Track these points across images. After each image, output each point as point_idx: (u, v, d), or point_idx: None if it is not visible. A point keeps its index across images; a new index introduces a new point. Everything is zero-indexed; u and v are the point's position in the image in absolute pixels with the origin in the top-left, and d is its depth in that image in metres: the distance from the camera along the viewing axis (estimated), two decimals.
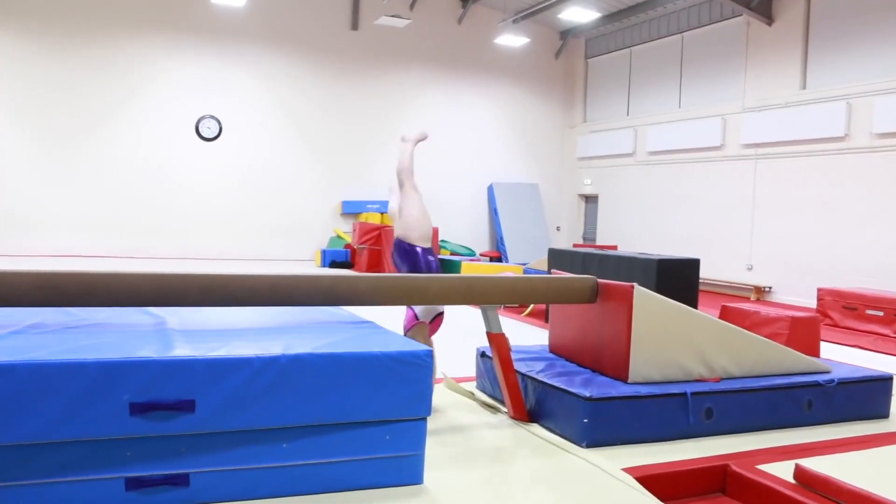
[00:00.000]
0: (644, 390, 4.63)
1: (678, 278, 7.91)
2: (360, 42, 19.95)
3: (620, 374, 4.80)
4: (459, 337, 7.91)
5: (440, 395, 5.38)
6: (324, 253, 18.26)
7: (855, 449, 4.56)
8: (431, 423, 3.90)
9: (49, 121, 17.10)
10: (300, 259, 19.34)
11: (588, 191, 21.80)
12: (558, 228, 22.75)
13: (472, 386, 5.87)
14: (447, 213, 20.39)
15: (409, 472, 3.64)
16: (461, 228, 21.06)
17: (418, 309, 5.16)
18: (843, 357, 8.11)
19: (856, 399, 5.34)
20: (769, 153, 15.67)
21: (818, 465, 3.97)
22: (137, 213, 17.85)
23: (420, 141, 5.65)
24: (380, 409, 3.55)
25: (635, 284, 4.80)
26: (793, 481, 3.90)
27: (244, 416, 3.31)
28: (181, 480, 3.24)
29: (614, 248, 15.06)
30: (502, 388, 4.94)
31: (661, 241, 17.94)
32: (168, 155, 18.20)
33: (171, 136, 18.21)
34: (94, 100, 17.45)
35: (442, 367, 5.67)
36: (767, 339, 5.40)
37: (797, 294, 14.60)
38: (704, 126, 17.23)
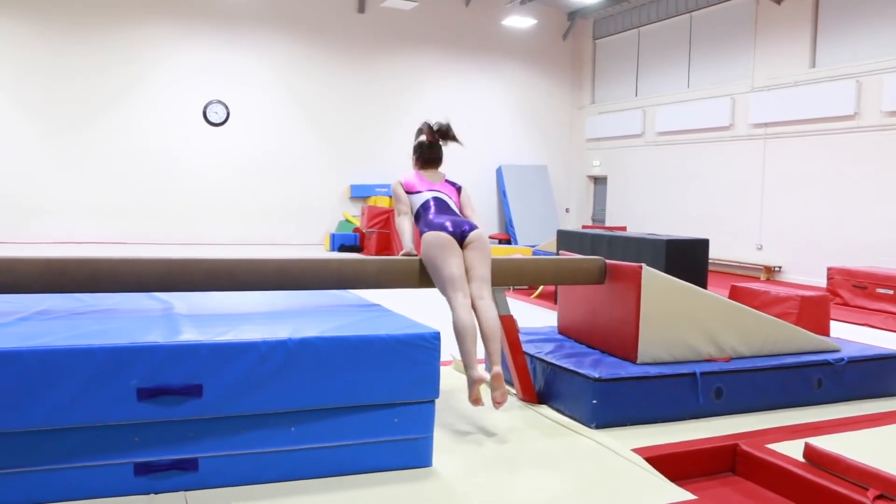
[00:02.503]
0: (653, 371, 4.62)
1: (687, 258, 7.89)
2: (366, 25, 19.89)
3: (629, 355, 4.79)
4: None
5: (448, 378, 5.38)
6: (333, 237, 18.28)
7: (865, 427, 4.55)
8: (440, 405, 3.91)
9: (56, 106, 17.11)
10: (309, 243, 19.36)
11: (597, 172, 21.73)
12: (567, 210, 22.71)
13: (480, 368, 5.86)
14: None
15: (417, 455, 3.64)
16: None
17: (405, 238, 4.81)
18: (853, 336, 8.09)
19: (866, 378, 5.32)
20: (778, 132, 15.58)
21: (828, 443, 3.96)
22: (145, 198, 17.88)
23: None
24: (388, 392, 3.55)
25: (644, 265, 4.78)
26: (802, 460, 3.89)
27: (252, 400, 3.31)
28: (190, 465, 3.25)
29: (623, 229, 15.02)
30: (511, 370, 4.95)
31: (670, 222, 17.89)
32: (176, 140, 18.21)
33: (179, 122, 18.22)
34: (101, 85, 17.46)
35: (450, 350, 5.66)
36: (777, 319, 5.38)
37: (807, 273, 14.55)
38: (713, 106, 17.13)
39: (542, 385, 4.92)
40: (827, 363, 5.16)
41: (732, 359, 5.00)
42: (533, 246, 14.74)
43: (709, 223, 16.78)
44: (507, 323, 4.81)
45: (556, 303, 7.53)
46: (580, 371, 4.55)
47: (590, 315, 5.32)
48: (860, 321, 9.61)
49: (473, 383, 4.16)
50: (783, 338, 5.25)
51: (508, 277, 4.80)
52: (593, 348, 5.20)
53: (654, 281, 4.78)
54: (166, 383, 3.17)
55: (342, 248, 17.94)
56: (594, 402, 4.42)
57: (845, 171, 14.16)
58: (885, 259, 12.99)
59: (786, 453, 4.00)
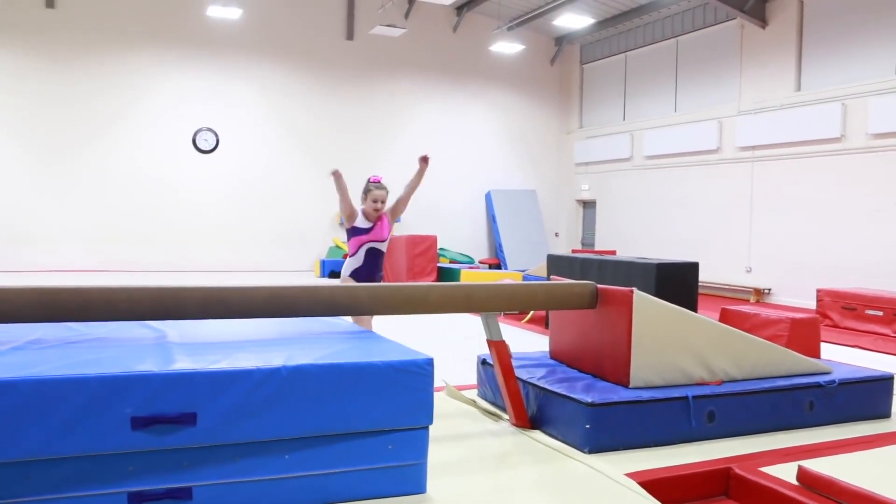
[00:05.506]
0: (645, 395, 4.63)
1: (677, 282, 7.91)
2: (355, 52, 20.00)
3: (621, 379, 4.80)
4: (460, 345, 7.91)
5: (442, 404, 5.38)
6: (323, 263, 18.25)
7: (857, 449, 4.56)
8: (433, 431, 3.91)
9: (47, 134, 17.12)
10: (299, 269, 19.35)
11: (586, 196, 21.81)
12: (557, 234, 22.76)
13: (473, 394, 5.87)
14: (445, 221, 20.42)
15: (412, 481, 3.63)
16: (460, 236, 21.08)
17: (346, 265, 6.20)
18: (843, 357, 8.11)
19: (857, 399, 5.34)
20: (766, 155, 15.70)
21: (821, 466, 3.97)
22: (136, 226, 17.86)
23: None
24: (381, 419, 3.55)
25: (634, 289, 4.80)
26: (796, 483, 3.89)
27: (246, 428, 3.31)
28: (184, 494, 3.23)
29: (613, 252, 15.06)
30: (504, 396, 4.94)
31: (659, 245, 17.95)
32: (166, 168, 18.22)
33: (169, 149, 18.24)
34: (91, 113, 17.48)
35: (443, 375, 5.67)
36: (768, 341, 5.40)
37: (796, 295, 14.61)
38: (700, 129, 17.26)
39: (535, 410, 4.91)
40: (818, 385, 5.18)
41: (724, 382, 5.01)
42: (523, 271, 14.76)
43: (698, 246, 16.85)
44: (500, 348, 4.82)
45: (547, 327, 7.54)
46: (573, 396, 4.55)
47: (581, 340, 5.33)
48: (850, 343, 9.64)
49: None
50: (774, 360, 5.27)
51: (500, 303, 4.81)
52: (585, 373, 5.21)
53: (646, 305, 4.80)
54: (160, 412, 3.16)
55: (332, 275, 17.91)
56: (587, 426, 4.42)
57: (832, 193, 14.26)
58: (874, 280, 13.05)
59: (779, 476, 4.00)
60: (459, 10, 20.69)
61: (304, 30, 19.48)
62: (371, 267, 6.15)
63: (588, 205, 22.05)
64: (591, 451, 4.39)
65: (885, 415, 5.45)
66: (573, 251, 18.34)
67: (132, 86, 17.86)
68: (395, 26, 18.47)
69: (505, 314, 11.50)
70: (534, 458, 4.32)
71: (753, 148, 15.96)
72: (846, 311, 10.85)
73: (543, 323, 10.45)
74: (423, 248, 16.18)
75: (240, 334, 4.21)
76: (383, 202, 6.11)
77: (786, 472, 4.03)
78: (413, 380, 3.59)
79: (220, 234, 18.72)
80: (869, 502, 3.55)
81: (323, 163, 19.68)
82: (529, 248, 20.66)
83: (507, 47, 20.13)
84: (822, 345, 7.90)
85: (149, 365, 3.26)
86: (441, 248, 18.89)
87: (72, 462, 3.07)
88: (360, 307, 4.45)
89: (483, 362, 5.74)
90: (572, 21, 19.14)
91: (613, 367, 4.89)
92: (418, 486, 3.65)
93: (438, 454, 4.21)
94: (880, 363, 7.83)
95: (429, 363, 3.65)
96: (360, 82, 20.14)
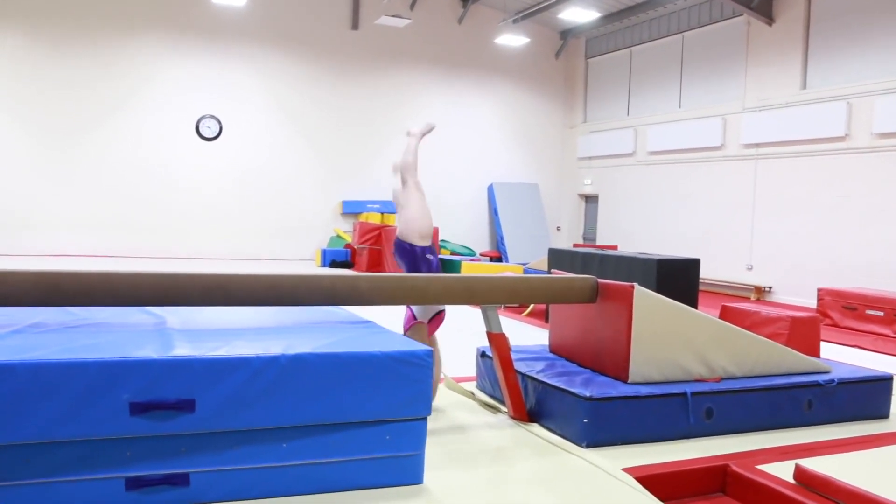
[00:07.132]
0: (644, 390, 4.63)
1: (678, 278, 7.91)
2: (360, 42, 19.95)
3: (620, 374, 4.80)
4: (460, 337, 7.90)
5: (440, 395, 5.38)
6: (324, 253, 18.25)
7: (855, 449, 4.57)
8: (431, 422, 3.91)
9: (49, 120, 17.09)
10: (300, 259, 19.33)
11: (588, 191, 21.79)
12: (558, 228, 22.74)
13: (472, 386, 5.87)
14: (447, 213, 20.41)
15: (409, 472, 3.64)
16: (461, 228, 21.06)
17: (416, 308, 5.06)
18: (843, 357, 8.11)
19: (856, 399, 5.34)
20: (769, 153, 15.66)
21: (818, 465, 3.97)
22: (137, 212, 17.84)
23: (426, 134, 5.55)
24: (380, 409, 3.55)
25: (635, 284, 4.80)
26: (793, 481, 3.90)
27: (244, 415, 3.31)
28: (181, 480, 3.24)
29: (614, 248, 15.05)
30: (502, 388, 4.95)
31: (661, 241, 17.93)
32: (168, 154, 18.19)
33: (172, 136, 18.20)
34: (94, 99, 17.44)
35: (444, 369, 5.66)
36: (767, 339, 5.40)
37: (797, 294, 14.60)
38: (705, 126, 17.21)
39: (534, 404, 4.92)
40: (817, 384, 5.18)
41: (723, 379, 5.01)
42: (524, 264, 14.74)
43: (699, 243, 16.83)
44: (499, 341, 4.82)
45: (547, 321, 7.54)
46: (571, 390, 4.55)
47: (581, 334, 5.32)
48: (850, 342, 9.64)
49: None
50: (774, 359, 5.26)
51: (500, 296, 4.81)
52: (584, 367, 5.21)
53: (646, 300, 4.80)
54: (159, 398, 3.16)
55: (333, 264, 17.92)
56: (585, 421, 4.42)
57: (836, 192, 14.24)
58: (875, 280, 13.04)
59: (776, 475, 4.01)
60: (465, 1, 20.65)
61: (309, 18, 19.43)
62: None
63: (590, 199, 22.03)
64: (588, 446, 4.40)
65: (884, 415, 5.45)
66: (574, 245, 18.35)
67: (136, 71, 17.82)
68: (400, 17, 18.42)
69: (505, 307, 11.48)
70: (531, 452, 4.33)
71: (757, 145, 15.93)
72: (847, 311, 10.84)
73: (543, 316, 10.45)
74: None
75: (240, 322, 4.21)
76: None
77: (783, 471, 4.04)
78: (412, 371, 3.59)
79: (221, 222, 18.70)
80: (865, 502, 3.55)
81: (326, 152, 19.70)
82: (531, 242, 20.65)
83: (512, 40, 20.09)
84: (822, 344, 7.90)
85: (148, 351, 3.27)
86: (442, 240, 18.88)
87: (70, 446, 3.08)
88: (360, 298, 4.45)
89: (482, 354, 5.74)
90: (578, 15, 19.08)
91: (613, 361, 4.89)
92: (415, 477, 3.65)
93: (436, 446, 4.22)
94: (880, 363, 7.82)
95: (428, 354, 3.65)
96: (364, 72, 20.10)
